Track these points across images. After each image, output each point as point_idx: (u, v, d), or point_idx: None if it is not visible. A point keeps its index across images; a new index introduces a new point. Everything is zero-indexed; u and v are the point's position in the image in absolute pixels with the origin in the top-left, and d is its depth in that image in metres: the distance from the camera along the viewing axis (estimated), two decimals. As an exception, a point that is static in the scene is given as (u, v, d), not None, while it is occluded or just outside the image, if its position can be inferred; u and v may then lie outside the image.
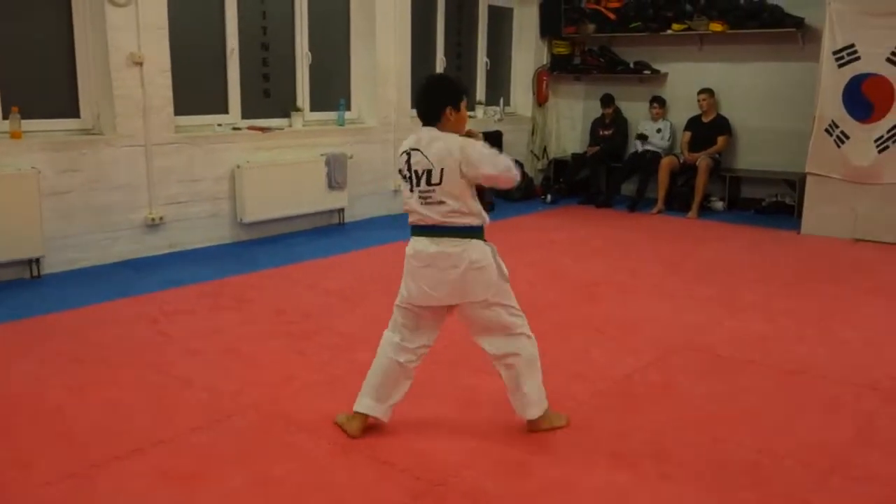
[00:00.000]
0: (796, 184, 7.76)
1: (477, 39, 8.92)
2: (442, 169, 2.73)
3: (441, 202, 2.76)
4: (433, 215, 2.78)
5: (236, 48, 6.34)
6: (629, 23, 8.75)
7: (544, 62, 9.45)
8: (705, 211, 8.14)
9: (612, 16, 8.88)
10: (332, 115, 7.23)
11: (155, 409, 3.20)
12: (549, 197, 8.68)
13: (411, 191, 2.81)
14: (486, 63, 9.02)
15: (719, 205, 8.32)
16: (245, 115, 6.51)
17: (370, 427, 3.00)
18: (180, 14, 5.88)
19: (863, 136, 6.73)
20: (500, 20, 9.25)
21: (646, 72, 8.85)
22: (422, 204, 2.79)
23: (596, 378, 3.63)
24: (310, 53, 6.94)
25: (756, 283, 5.39)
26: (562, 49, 9.39)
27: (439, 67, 8.37)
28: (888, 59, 6.53)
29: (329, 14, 7.24)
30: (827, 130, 6.90)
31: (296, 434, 3.00)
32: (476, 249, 2.81)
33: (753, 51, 8.25)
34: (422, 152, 2.76)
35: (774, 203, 8.20)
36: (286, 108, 6.87)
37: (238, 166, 6.18)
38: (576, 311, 4.72)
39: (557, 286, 5.27)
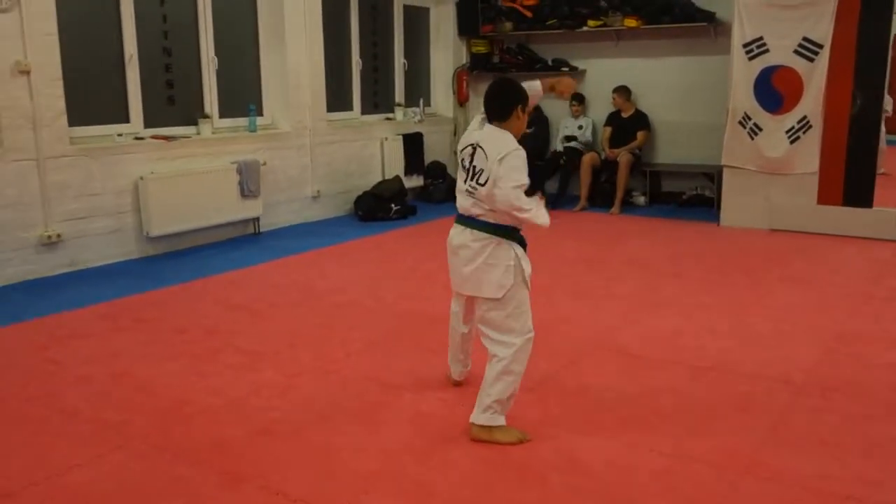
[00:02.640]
0: (714, 176, 7.83)
1: (393, 40, 8.76)
2: (489, 176, 2.83)
3: (480, 198, 2.89)
4: (470, 207, 2.94)
5: (135, 54, 6.04)
6: (545, 20, 8.71)
7: (463, 61, 9.36)
8: (628, 206, 8.15)
9: (528, 13, 8.83)
10: (242, 121, 6.97)
11: (33, 447, 2.95)
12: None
13: (464, 181, 2.95)
14: (404, 64, 8.87)
15: (641, 199, 8.35)
16: (148, 124, 6.21)
17: (258, 455, 2.85)
18: (72, 19, 5.57)
19: (774, 128, 6.81)
20: (417, 20, 9.10)
21: (564, 69, 8.81)
22: (466, 195, 2.95)
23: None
24: (216, 57, 6.68)
25: (674, 278, 5.37)
26: (480, 48, 9.31)
27: (355, 69, 8.18)
28: (795, 51, 6.61)
29: (235, 16, 6.98)
30: (741, 123, 6.96)
31: (183, 466, 2.79)
32: (497, 247, 2.90)
33: (668, 46, 8.29)
34: (484, 152, 2.87)
35: (695, 196, 8.27)
36: (193, 115, 6.58)
37: (142, 178, 5.89)
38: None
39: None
